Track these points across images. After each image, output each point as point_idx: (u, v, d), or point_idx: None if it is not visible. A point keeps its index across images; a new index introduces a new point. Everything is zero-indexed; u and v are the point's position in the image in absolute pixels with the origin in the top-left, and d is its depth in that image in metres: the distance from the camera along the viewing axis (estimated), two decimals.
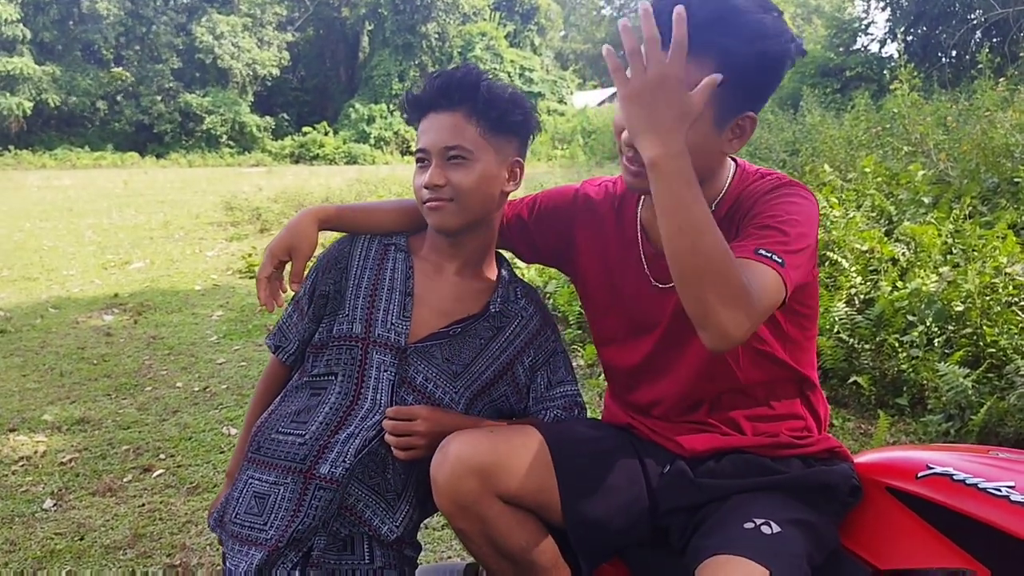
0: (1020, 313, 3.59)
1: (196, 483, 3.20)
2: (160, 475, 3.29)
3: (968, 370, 3.31)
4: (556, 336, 1.73)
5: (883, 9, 17.62)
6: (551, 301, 5.21)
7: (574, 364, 1.78)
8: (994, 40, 13.69)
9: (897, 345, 3.63)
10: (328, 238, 1.67)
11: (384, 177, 16.34)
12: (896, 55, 9.53)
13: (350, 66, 40.36)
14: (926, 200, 5.36)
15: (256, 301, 6.49)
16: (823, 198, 5.10)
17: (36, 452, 3.55)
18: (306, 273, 1.67)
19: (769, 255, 1.29)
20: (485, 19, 38.74)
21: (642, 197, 1.58)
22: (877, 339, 3.75)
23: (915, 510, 1.41)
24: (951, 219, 4.66)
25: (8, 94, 32.68)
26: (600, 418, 1.80)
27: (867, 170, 5.96)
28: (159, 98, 35.50)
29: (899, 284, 4.01)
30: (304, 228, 1.63)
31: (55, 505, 3.04)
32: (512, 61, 36.88)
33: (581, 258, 1.66)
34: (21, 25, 33.53)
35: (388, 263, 1.65)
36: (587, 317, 1.73)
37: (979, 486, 1.34)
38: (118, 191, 17.83)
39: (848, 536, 1.47)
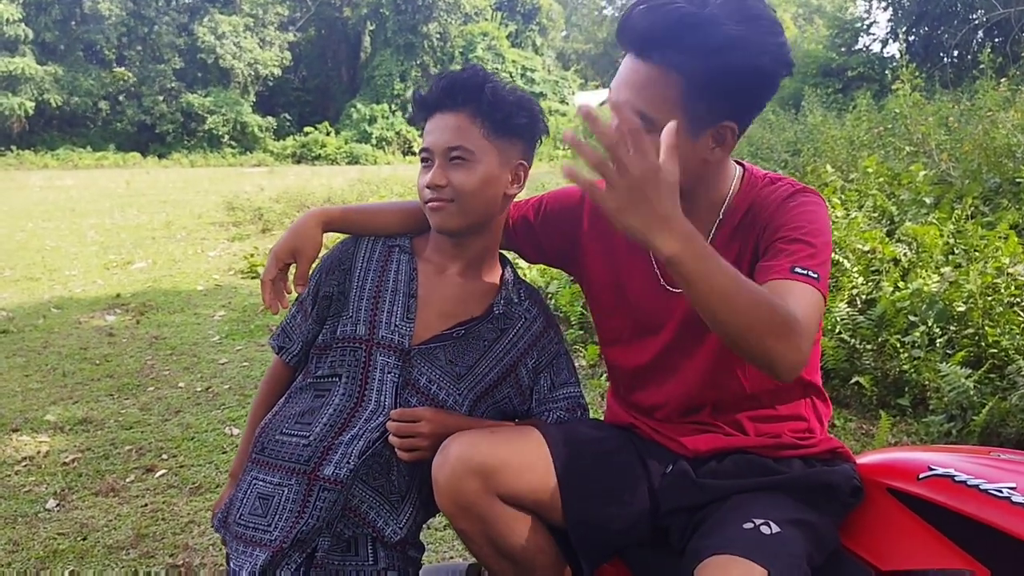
0: (1022, 313, 3.59)
1: (199, 483, 3.21)
2: (162, 475, 3.30)
3: (970, 370, 3.31)
4: (559, 338, 1.73)
5: (885, 9, 17.62)
6: (553, 301, 5.21)
7: (576, 365, 1.79)
8: (996, 40, 13.66)
9: (899, 345, 3.63)
10: (331, 240, 1.68)
11: (386, 177, 16.33)
12: (898, 55, 9.53)
13: (352, 66, 40.37)
14: (928, 200, 5.35)
15: (258, 301, 6.51)
16: (825, 198, 5.09)
17: (39, 452, 3.56)
18: (310, 275, 1.67)
19: (805, 272, 1.31)
20: (487, 19, 38.75)
21: None
22: (879, 339, 3.75)
23: (916, 511, 1.41)
24: (953, 219, 4.66)
25: (10, 94, 32.71)
26: (602, 418, 1.80)
27: (869, 170, 5.95)
28: (161, 98, 35.53)
29: (901, 284, 4.00)
30: (308, 230, 1.63)
31: (58, 505, 3.05)
32: (514, 61, 36.89)
33: (587, 259, 1.66)
34: (23, 25, 33.56)
35: (392, 265, 1.66)
36: (592, 317, 1.74)
37: (980, 487, 1.34)
38: (120, 191, 17.85)
39: (849, 537, 1.48)
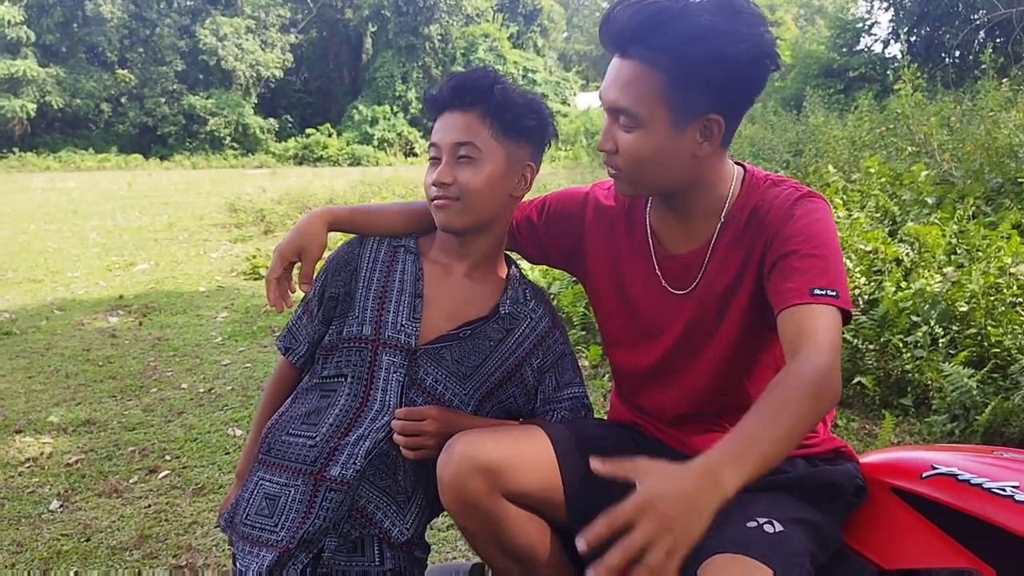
0: None
1: (202, 484, 3.21)
2: (166, 476, 3.30)
3: (972, 370, 3.31)
4: (564, 338, 1.73)
5: (886, 9, 17.62)
6: (555, 302, 5.21)
7: (580, 367, 1.79)
8: (997, 40, 13.65)
9: (901, 345, 3.63)
10: (334, 242, 1.68)
11: (388, 179, 16.34)
12: (899, 55, 9.53)
13: (353, 68, 40.43)
14: (930, 200, 5.35)
15: (261, 303, 6.53)
16: (828, 199, 5.09)
17: (42, 453, 3.56)
18: (315, 275, 1.67)
19: (824, 292, 1.31)
20: (488, 20, 38.80)
21: (649, 200, 1.58)
22: (881, 339, 3.75)
23: (919, 510, 1.41)
24: (955, 219, 4.65)
25: (12, 96, 32.79)
26: (606, 418, 1.80)
27: (871, 171, 5.95)
28: (163, 100, 35.61)
29: (903, 284, 4.00)
30: (313, 230, 1.63)
31: (61, 506, 3.05)
32: (515, 62, 36.92)
33: (590, 261, 1.66)
34: (25, 27, 33.64)
35: (397, 265, 1.66)
36: (596, 319, 1.74)
37: (984, 486, 1.34)
38: (122, 193, 17.88)
39: (852, 536, 1.48)
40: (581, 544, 1.03)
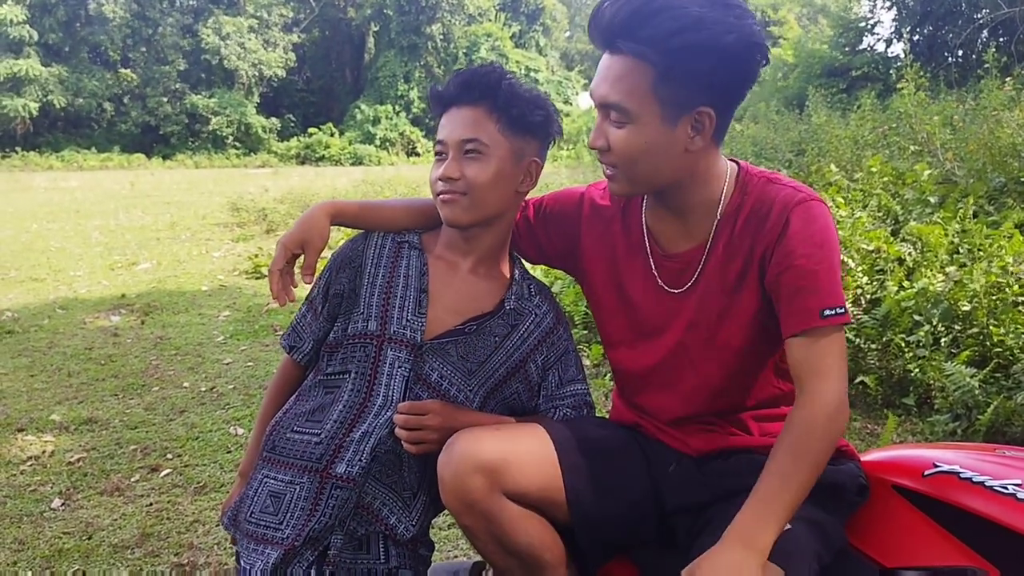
0: None
1: (203, 483, 3.21)
2: (167, 475, 3.31)
3: (975, 370, 3.30)
4: (568, 334, 1.73)
5: (889, 9, 17.56)
6: (557, 301, 5.21)
7: (583, 365, 1.79)
8: (1000, 39, 13.63)
9: (903, 345, 3.63)
10: (335, 240, 1.68)
11: (390, 178, 16.33)
12: (902, 55, 9.53)
13: (356, 67, 40.45)
14: (932, 200, 5.34)
15: (263, 302, 6.53)
16: (829, 198, 5.09)
17: (44, 452, 3.57)
18: (319, 270, 1.67)
19: (833, 311, 1.35)
20: (490, 20, 38.82)
21: (644, 199, 1.58)
22: (883, 339, 3.75)
23: (922, 508, 1.41)
24: (957, 219, 4.65)
25: (15, 96, 32.85)
26: (607, 417, 1.80)
27: (873, 170, 5.94)
28: (165, 99, 35.66)
29: (905, 284, 4.00)
30: (316, 222, 1.63)
31: (63, 504, 3.05)
32: (517, 62, 36.93)
33: (587, 261, 1.66)
34: (27, 26, 33.69)
35: (402, 261, 1.65)
36: (594, 319, 1.73)
37: (986, 484, 1.34)
38: (125, 192, 17.91)
39: (855, 534, 1.47)
40: None
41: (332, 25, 40.50)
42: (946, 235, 4.44)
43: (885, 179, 5.89)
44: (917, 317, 3.73)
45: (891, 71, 12.56)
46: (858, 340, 3.77)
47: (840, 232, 4.40)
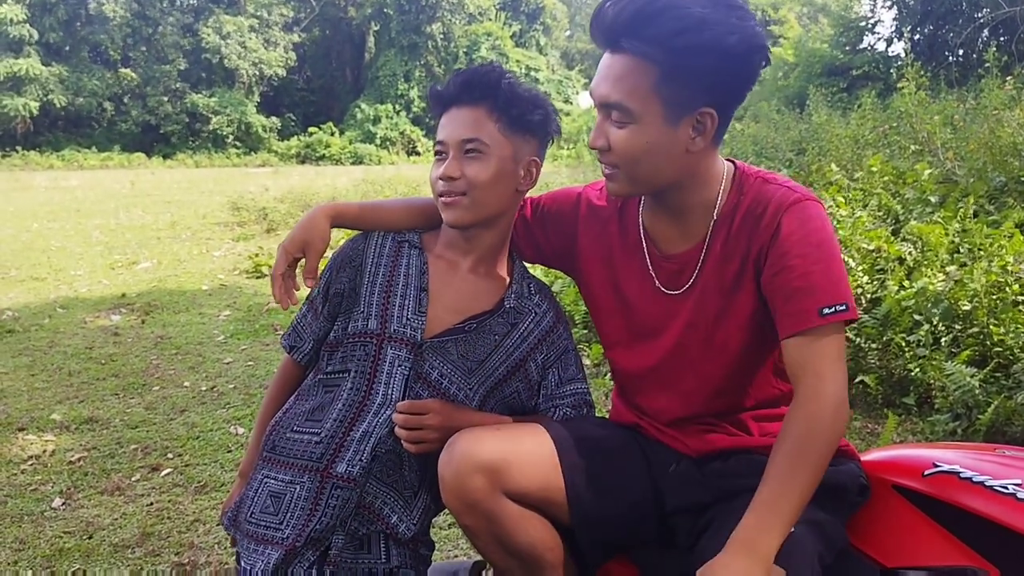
0: None
1: (204, 482, 3.22)
2: (168, 474, 3.31)
3: (975, 369, 3.30)
4: (568, 333, 1.73)
5: (889, 8, 17.56)
6: (557, 300, 5.21)
7: (583, 364, 1.79)
8: (1001, 38, 13.63)
9: (904, 344, 3.63)
10: (336, 240, 1.68)
11: (390, 177, 16.34)
12: (903, 54, 9.52)
13: (356, 66, 40.45)
14: (933, 199, 5.34)
15: (263, 301, 6.53)
16: (830, 197, 5.09)
17: (45, 451, 3.57)
18: (320, 270, 1.67)
19: (833, 309, 1.33)
20: (491, 19, 38.81)
21: (642, 200, 1.58)
22: (884, 338, 3.75)
23: (922, 508, 1.41)
24: (958, 218, 4.65)
25: (15, 95, 32.85)
26: (607, 417, 1.80)
27: (874, 169, 5.94)
28: (166, 99, 35.66)
29: (906, 283, 4.00)
30: (317, 225, 1.63)
31: (64, 504, 3.06)
32: (518, 61, 36.92)
33: (584, 261, 1.66)
34: (28, 26, 33.69)
35: (402, 260, 1.66)
36: (592, 319, 1.74)
37: (986, 484, 1.34)
38: (125, 192, 17.91)
39: (855, 534, 1.47)
40: None
41: (332, 24, 40.50)
42: (946, 234, 4.44)
43: (885, 178, 5.89)
44: (917, 316, 3.73)
45: (892, 70, 12.55)
46: (858, 339, 3.77)
47: (840, 232, 4.42)
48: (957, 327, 3.66)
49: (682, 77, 1.33)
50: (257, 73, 37.29)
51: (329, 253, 1.75)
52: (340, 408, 1.58)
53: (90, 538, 2.79)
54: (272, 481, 1.59)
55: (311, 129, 35.96)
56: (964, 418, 3.25)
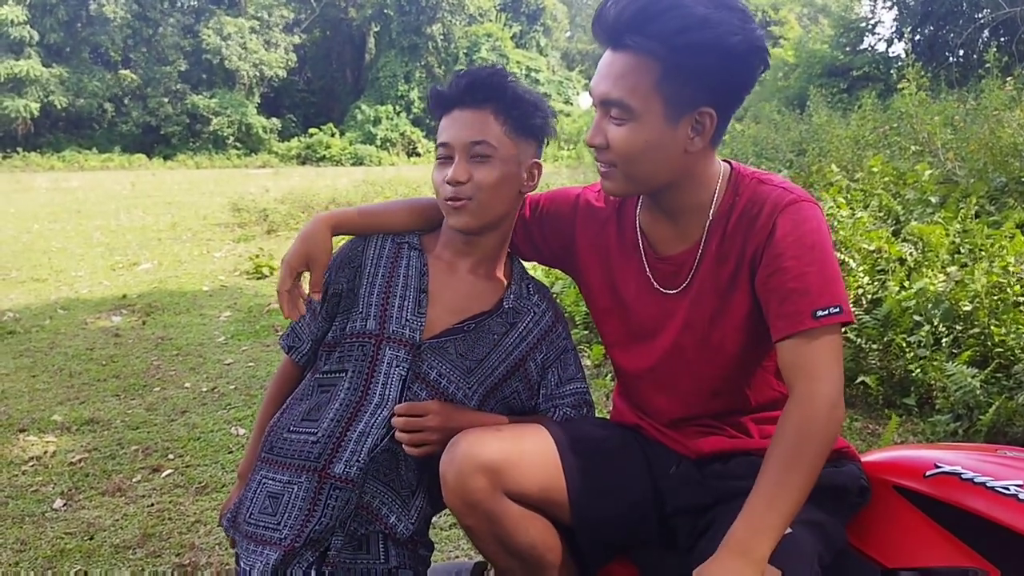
0: None
1: (205, 483, 3.22)
2: (169, 475, 3.31)
3: (976, 370, 3.30)
4: (567, 333, 1.73)
5: (890, 8, 17.57)
6: (558, 301, 5.20)
7: (582, 364, 1.79)
8: (1001, 39, 13.62)
9: (904, 345, 3.63)
10: (338, 241, 1.68)
11: (391, 178, 16.35)
12: (903, 54, 9.51)
13: (356, 67, 40.46)
14: (933, 200, 5.34)
15: (264, 302, 6.53)
16: (830, 198, 5.09)
17: (46, 452, 3.57)
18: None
19: (826, 311, 1.32)
20: (491, 20, 38.80)
21: (639, 200, 1.58)
22: (884, 339, 3.74)
23: (923, 509, 1.41)
24: (959, 219, 4.64)
25: (16, 96, 32.85)
26: (608, 417, 1.80)
27: (874, 170, 5.94)
28: (166, 100, 35.66)
29: (906, 284, 3.99)
30: (318, 236, 1.61)
31: (65, 505, 3.06)
32: (518, 62, 36.92)
33: (582, 262, 1.66)
34: (28, 27, 33.70)
35: (402, 261, 1.66)
36: (592, 319, 1.74)
37: (987, 485, 1.34)
38: (126, 193, 17.91)
39: (856, 535, 1.47)
40: None
41: (333, 25, 40.50)
42: (947, 235, 4.44)
43: (886, 179, 5.88)
44: (918, 317, 3.72)
45: (892, 71, 12.53)
46: (859, 340, 3.77)
47: (841, 232, 4.42)
48: (958, 328, 3.65)
49: (684, 75, 1.33)
50: (258, 74, 37.30)
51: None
52: (337, 408, 1.58)
53: (91, 539, 2.79)
54: (270, 482, 1.59)
55: (311, 130, 35.96)
56: (965, 419, 3.25)
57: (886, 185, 5.80)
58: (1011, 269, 3.75)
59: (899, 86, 8.40)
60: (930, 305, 3.74)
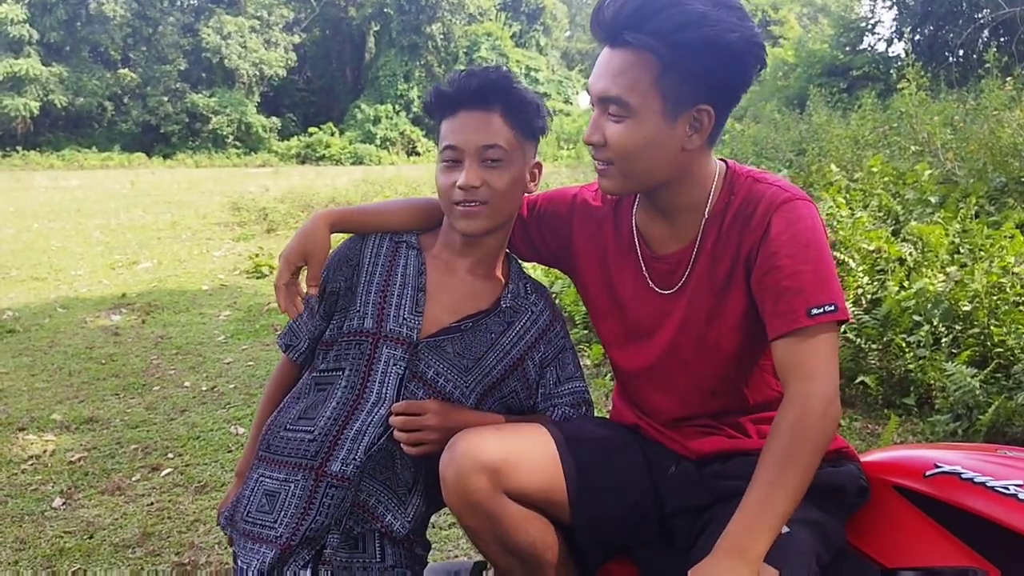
0: None
1: (204, 482, 3.22)
2: (168, 474, 3.31)
3: (975, 370, 3.30)
4: (565, 332, 1.73)
5: (889, 8, 17.55)
6: (557, 300, 5.21)
7: (581, 364, 1.79)
8: (1001, 39, 13.62)
9: (904, 345, 3.63)
10: (336, 240, 1.68)
11: (390, 178, 16.35)
12: (903, 54, 9.51)
13: (356, 67, 40.42)
14: (933, 200, 5.34)
15: (263, 301, 6.53)
16: (830, 198, 5.09)
17: (45, 451, 3.57)
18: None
19: (821, 309, 1.32)
20: (491, 19, 38.77)
21: (636, 199, 1.58)
22: (884, 339, 3.74)
23: (923, 509, 1.41)
24: (958, 219, 4.65)
25: (15, 95, 32.79)
26: (608, 417, 1.80)
27: (874, 170, 5.94)
28: (166, 99, 35.60)
29: (906, 284, 4.00)
30: (317, 232, 1.62)
31: (64, 504, 3.06)
32: (518, 61, 36.89)
33: (580, 261, 1.66)
34: (28, 26, 33.64)
35: (400, 260, 1.66)
36: (590, 319, 1.74)
37: (987, 484, 1.34)
38: (125, 192, 17.90)
39: (855, 535, 1.47)
40: None
41: (333, 25, 40.46)
42: (947, 235, 4.44)
43: (886, 179, 5.89)
44: (917, 317, 3.72)
45: (892, 71, 12.54)
46: (859, 340, 3.77)
47: (841, 232, 4.42)
48: (957, 328, 3.66)
49: (682, 72, 1.33)
50: (257, 73, 37.25)
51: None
52: (334, 407, 1.58)
53: (90, 538, 2.79)
54: (267, 480, 1.59)
55: (311, 129, 35.91)
56: (965, 419, 3.25)
57: (886, 185, 5.80)
58: (1011, 269, 3.75)
59: (899, 86, 8.40)
60: (930, 305, 3.74)
